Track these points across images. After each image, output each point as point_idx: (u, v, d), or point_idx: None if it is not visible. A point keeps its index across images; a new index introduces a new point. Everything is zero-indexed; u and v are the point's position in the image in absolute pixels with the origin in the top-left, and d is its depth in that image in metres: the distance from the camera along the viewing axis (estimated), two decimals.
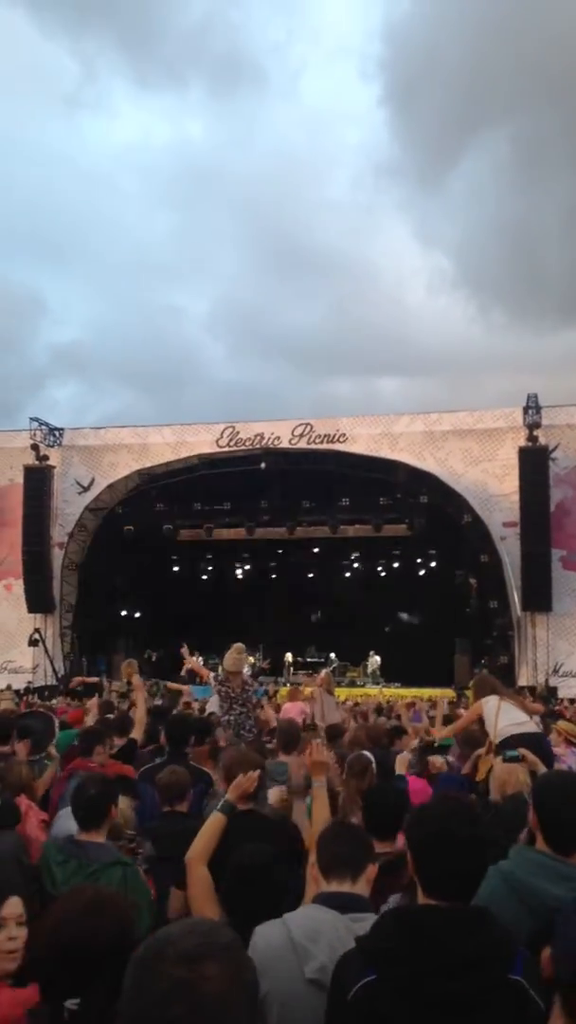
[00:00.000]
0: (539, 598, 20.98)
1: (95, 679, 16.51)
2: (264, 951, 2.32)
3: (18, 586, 24.21)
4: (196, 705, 10.21)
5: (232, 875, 2.77)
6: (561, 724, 7.24)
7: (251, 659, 20.45)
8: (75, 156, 68.37)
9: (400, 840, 3.19)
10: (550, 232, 54.73)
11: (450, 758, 5.84)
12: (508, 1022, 1.76)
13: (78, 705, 10.86)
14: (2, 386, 61.77)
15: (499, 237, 58.47)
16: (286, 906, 2.59)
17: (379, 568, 28.41)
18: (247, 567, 29.11)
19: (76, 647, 24.43)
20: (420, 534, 23.94)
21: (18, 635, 24.21)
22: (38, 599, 23.78)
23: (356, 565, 28.81)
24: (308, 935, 2.31)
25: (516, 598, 21.24)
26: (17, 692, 18.01)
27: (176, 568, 28.81)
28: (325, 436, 23.04)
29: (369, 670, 25.48)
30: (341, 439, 22.98)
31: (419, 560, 27.52)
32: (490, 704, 5.47)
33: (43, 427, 24.74)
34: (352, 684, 23.87)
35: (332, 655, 26.96)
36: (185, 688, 12.27)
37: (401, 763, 5.16)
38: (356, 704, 13.38)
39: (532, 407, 21.40)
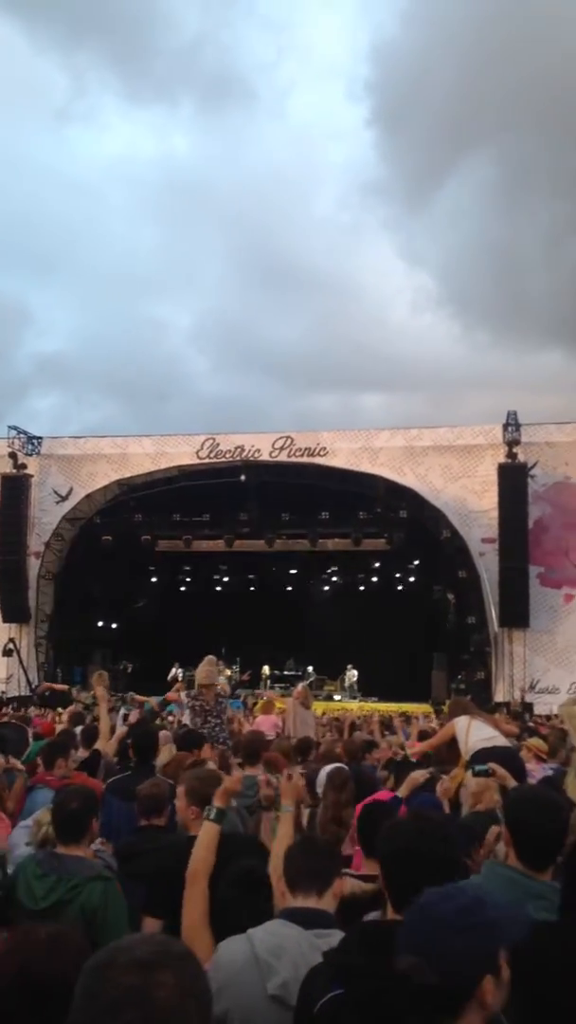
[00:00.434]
0: (516, 614, 21.06)
1: (63, 686, 16.33)
2: (228, 966, 2.28)
3: None
4: (173, 718, 10.13)
5: (236, 886, 2.75)
6: (531, 740, 7.32)
7: (228, 671, 20.31)
8: (63, 168, 68.25)
9: None
10: (534, 254, 55.27)
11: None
12: None
13: (42, 713, 10.73)
14: None
15: (483, 258, 59.03)
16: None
17: (358, 582, 28.45)
18: (225, 579, 29.08)
19: (51, 657, 24.16)
20: (399, 549, 24.03)
21: None
22: (13, 609, 23.53)
23: (335, 579, 28.85)
24: (272, 950, 2.28)
25: (494, 614, 21.31)
26: None
27: (154, 579, 28.67)
28: (305, 449, 23.06)
29: (346, 684, 25.41)
30: (321, 453, 23.00)
31: (398, 575, 27.63)
32: (461, 723, 5.69)
33: (22, 435, 24.55)
34: (329, 698, 23.85)
35: (310, 668, 26.88)
36: (153, 700, 12.14)
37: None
38: (336, 719, 13.30)
39: (512, 424, 21.56)
